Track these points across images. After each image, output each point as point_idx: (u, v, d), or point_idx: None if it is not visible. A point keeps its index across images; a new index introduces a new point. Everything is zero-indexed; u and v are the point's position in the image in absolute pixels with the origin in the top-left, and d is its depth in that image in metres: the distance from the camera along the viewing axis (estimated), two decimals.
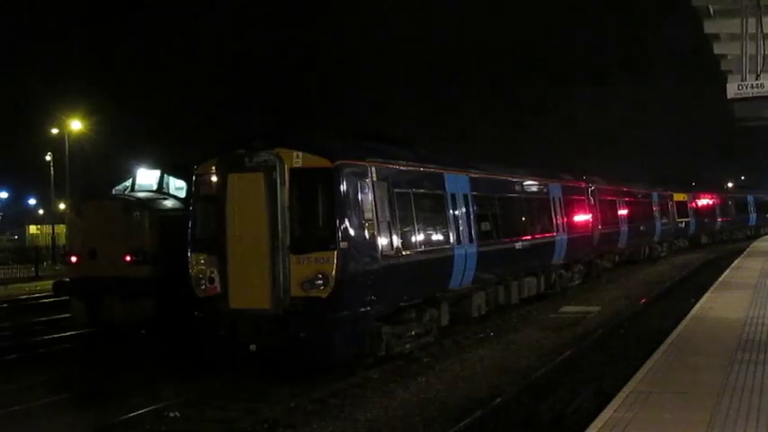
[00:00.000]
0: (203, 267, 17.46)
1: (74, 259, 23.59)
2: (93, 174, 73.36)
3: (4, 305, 35.08)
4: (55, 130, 71.35)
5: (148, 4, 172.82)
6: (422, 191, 20.60)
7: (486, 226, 24.15)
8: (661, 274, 43.07)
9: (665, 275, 42.43)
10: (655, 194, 52.83)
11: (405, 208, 19.33)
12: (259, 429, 14.47)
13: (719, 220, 72.14)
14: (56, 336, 24.72)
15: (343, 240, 16.77)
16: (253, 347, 16.80)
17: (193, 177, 18.50)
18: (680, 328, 20.30)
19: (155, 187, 24.00)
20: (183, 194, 23.32)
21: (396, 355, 19.18)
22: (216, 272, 17.18)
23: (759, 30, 19.66)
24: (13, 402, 16.10)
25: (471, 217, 22.90)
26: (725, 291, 28.33)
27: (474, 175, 24.03)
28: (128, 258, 22.19)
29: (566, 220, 31.97)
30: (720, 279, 32.64)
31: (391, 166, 19.27)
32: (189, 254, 17.86)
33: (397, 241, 18.58)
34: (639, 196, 48.70)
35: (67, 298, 25.23)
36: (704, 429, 11.28)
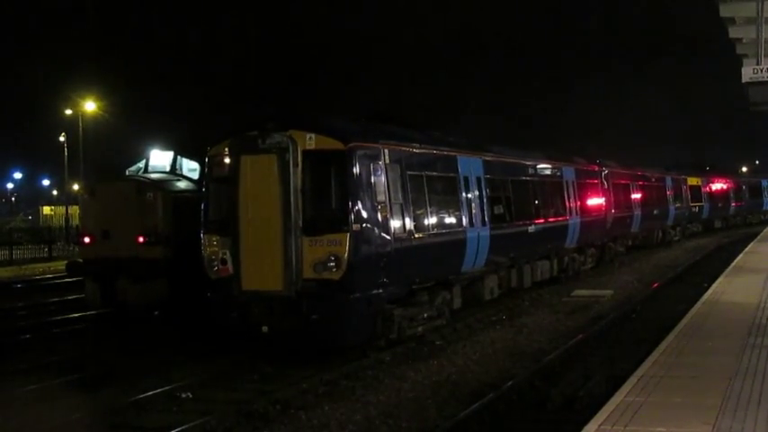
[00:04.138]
0: (216, 249, 17.49)
1: (87, 240, 23.69)
2: (107, 155, 73.48)
3: (18, 285, 35.28)
4: (69, 111, 71.40)
5: None
6: (435, 173, 20.56)
7: (499, 209, 24.11)
8: (674, 259, 42.96)
9: (678, 260, 42.32)
10: (668, 178, 52.63)
11: (417, 190, 19.31)
12: (271, 411, 14.50)
13: (733, 204, 71.90)
14: (69, 316, 24.83)
15: (355, 222, 16.78)
16: (265, 329, 16.85)
17: (206, 159, 18.51)
18: (692, 312, 20.24)
19: (168, 168, 24.05)
20: (195, 176, 23.37)
21: (408, 337, 19.20)
22: (228, 253, 17.21)
23: None
24: (26, 382, 16.18)
25: (484, 200, 22.86)
26: (738, 275, 28.24)
27: (487, 158, 23.97)
28: (141, 239, 22.27)
29: (579, 203, 31.91)
30: (733, 264, 32.51)
31: (404, 148, 19.23)
32: (201, 235, 17.91)
33: (409, 224, 18.57)
34: (653, 180, 48.53)
35: (81, 278, 25.33)
36: (715, 413, 11.26)
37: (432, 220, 19.97)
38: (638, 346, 18.40)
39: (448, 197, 21.16)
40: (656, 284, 31.54)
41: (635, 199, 42.46)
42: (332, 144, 17.07)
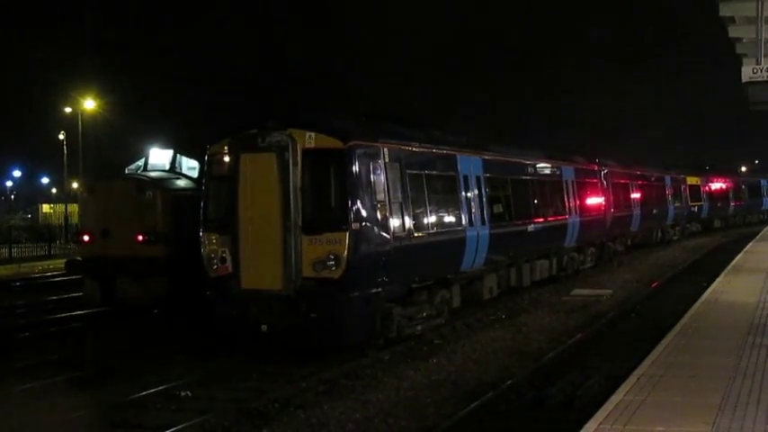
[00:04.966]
0: (215, 247, 17.49)
1: (86, 238, 23.68)
2: (106, 153, 73.44)
3: (18, 283, 35.22)
4: (68, 109, 71.35)
5: None
6: (434, 172, 20.55)
7: (498, 208, 24.11)
8: (673, 258, 42.97)
9: (678, 259, 42.33)
10: (668, 178, 52.61)
11: (417, 189, 19.30)
12: (269, 409, 14.49)
13: (732, 203, 71.90)
14: (68, 314, 24.79)
15: (355, 221, 16.77)
16: (264, 328, 16.84)
17: (206, 157, 18.49)
18: (691, 311, 20.27)
19: (167, 167, 24.06)
20: (195, 174, 23.38)
21: (407, 336, 19.20)
22: (228, 252, 17.21)
23: None
24: (25, 380, 16.17)
25: (484, 199, 22.85)
26: (737, 275, 28.26)
27: (487, 157, 23.96)
28: (140, 238, 22.27)
29: (578, 202, 31.90)
30: (732, 263, 32.55)
31: (404, 147, 19.22)
32: (201, 234, 17.89)
33: (409, 223, 18.57)
34: (652, 179, 48.52)
35: (80, 277, 25.32)
36: (715, 413, 11.27)
37: (431, 219, 19.96)
38: (637, 345, 18.39)
39: (447, 196, 21.15)
40: (655, 284, 31.54)
41: (634, 198, 42.45)
42: (331, 143, 17.06)
